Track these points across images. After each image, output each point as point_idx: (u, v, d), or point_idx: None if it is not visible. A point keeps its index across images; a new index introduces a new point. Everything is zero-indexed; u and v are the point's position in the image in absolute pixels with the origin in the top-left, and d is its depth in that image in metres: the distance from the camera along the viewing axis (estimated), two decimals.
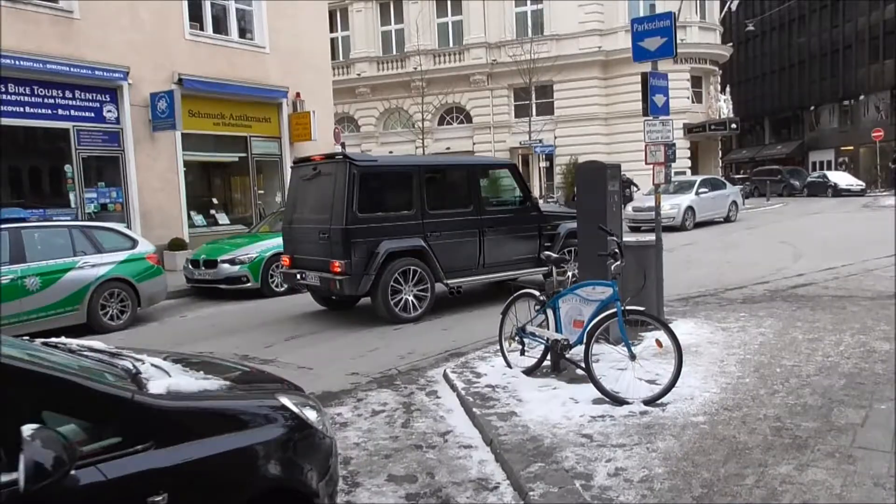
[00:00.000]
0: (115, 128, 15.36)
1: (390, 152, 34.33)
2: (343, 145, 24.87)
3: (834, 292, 9.96)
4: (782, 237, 17.80)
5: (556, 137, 34.08)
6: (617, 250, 5.48)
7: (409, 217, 9.20)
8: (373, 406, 5.66)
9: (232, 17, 18.13)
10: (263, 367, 7.11)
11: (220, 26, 17.96)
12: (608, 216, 6.84)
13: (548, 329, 5.92)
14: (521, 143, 32.11)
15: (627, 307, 5.33)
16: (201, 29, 17.38)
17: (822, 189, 37.68)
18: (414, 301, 9.24)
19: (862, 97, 47.77)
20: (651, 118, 7.58)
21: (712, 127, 34.54)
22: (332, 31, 40.31)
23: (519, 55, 31.31)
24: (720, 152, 39.71)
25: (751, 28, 47.64)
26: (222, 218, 17.75)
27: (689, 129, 34.22)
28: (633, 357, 5.28)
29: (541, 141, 30.05)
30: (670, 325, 5.31)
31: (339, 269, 8.75)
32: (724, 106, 35.03)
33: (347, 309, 10.37)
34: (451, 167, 10.60)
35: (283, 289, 12.08)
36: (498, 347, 6.47)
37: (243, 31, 18.50)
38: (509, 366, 6.24)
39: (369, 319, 9.38)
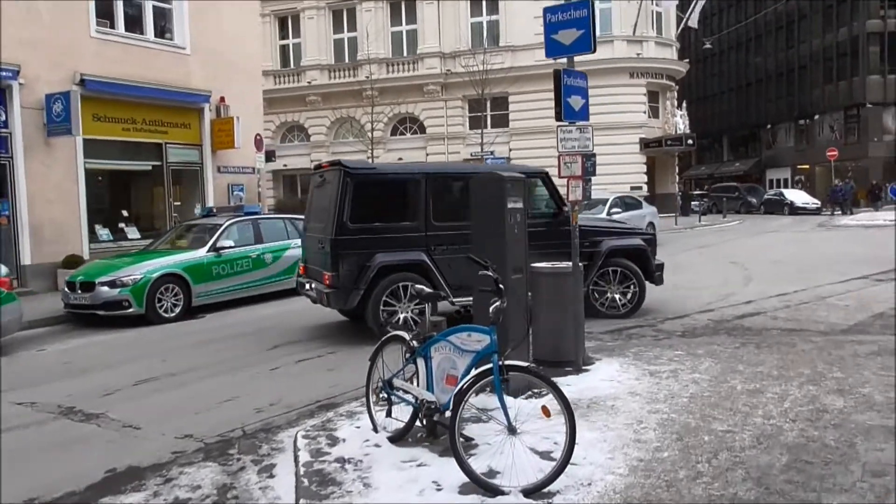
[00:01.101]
0: (3, 132, 13.76)
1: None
2: (274, 154, 23.44)
3: (783, 324, 8.89)
4: (734, 257, 16.89)
5: (510, 150, 33.08)
6: (499, 285, 4.22)
7: (411, 229, 8.54)
8: (178, 492, 4.30)
9: (148, 15, 16.64)
10: (83, 424, 5.73)
11: (134, 25, 16.46)
12: (507, 240, 5.61)
13: (417, 384, 4.65)
14: (472, 154, 31.02)
15: (507, 362, 4.07)
16: (112, 27, 15.87)
17: (779, 207, 37.30)
18: (412, 320, 8.47)
19: (817, 117, 47.85)
20: (566, 124, 6.40)
21: (668, 142, 33.89)
22: (283, 38, 39.11)
23: (473, 66, 30.34)
24: (677, 168, 39.15)
25: (708, 46, 47.43)
26: (132, 232, 16.15)
27: (646, 144, 33.52)
28: (511, 431, 4.02)
29: (492, 153, 28.98)
30: (559, 386, 4.06)
31: (327, 282, 8.35)
32: (680, 121, 34.44)
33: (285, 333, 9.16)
34: (464, 175, 9.66)
35: (173, 314, 10.65)
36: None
37: (162, 31, 17.03)
38: (375, 429, 4.93)
39: (260, 352, 8.04)
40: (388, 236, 8.45)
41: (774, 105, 51.27)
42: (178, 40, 17.04)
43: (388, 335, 5.00)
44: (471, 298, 8.79)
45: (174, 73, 16.62)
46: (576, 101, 6.39)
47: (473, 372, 4.16)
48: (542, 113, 33.31)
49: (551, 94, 6.38)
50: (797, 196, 38.44)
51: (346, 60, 37.11)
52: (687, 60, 37.76)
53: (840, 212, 35.04)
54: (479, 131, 32.18)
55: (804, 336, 8.06)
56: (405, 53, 36.46)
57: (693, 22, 34.98)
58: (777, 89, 51.62)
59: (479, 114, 33.12)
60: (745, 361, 6.75)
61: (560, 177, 6.41)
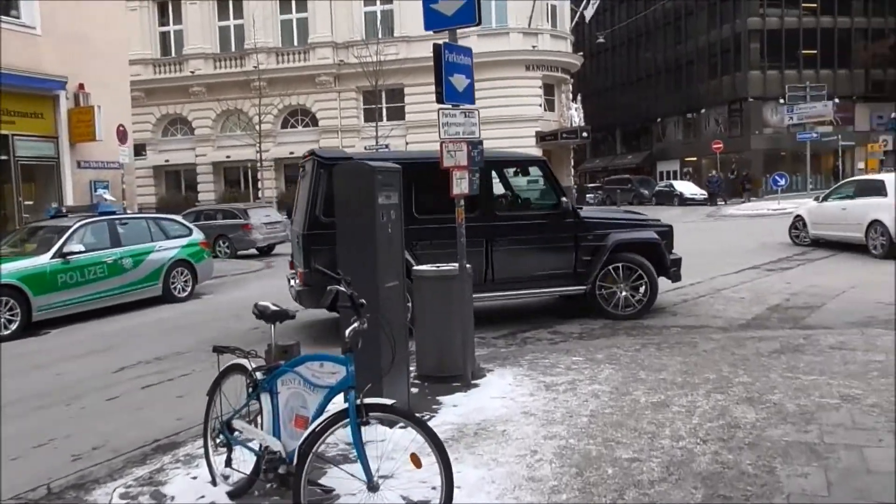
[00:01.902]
0: None
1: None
2: (144, 147, 21.62)
3: (683, 320, 8.51)
4: None
5: (407, 143, 32.25)
6: (356, 302, 3.35)
7: None
8: None
9: None
10: None
11: None
12: (379, 243, 4.75)
13: (261, 426, 3.72)
14: (366, 148, 30.00)
15: (367, 400, 3.21)
16: None
17: (669, 198, 38.32)
18: None
19: (703, 110, 49.68)
20: (448, 107, 5.59)
21: (564, 135, 34.06)
22: (163, 24, 36.57)
23: (367, 57, 29.32)
24: (573, 161, 39.53)
25: (601, 40, 48.41)
26: None
27: (542, 137, 33.53)
28: (372, 487, 3.17)
29: (387, 146, 28.05)
30: (431, 426, 3.24)
31: (300, 279, 7.92)
32: (575, 114, 34.68)
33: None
34: None
35: (6, 332, 9.20)
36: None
37: (6, 8, 15.07)
38: (214, 481, 3.97)
39: (103, 376, 6.81)
40: None
41: (664, 99, 52.89)
42: (27, 19, 15.15)
43: (229, 364, 4.03)
44: None
45: (22, 56, 14.72)
46: (459, 81, 5.60)
47: (325, 414, 3.29)
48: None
49: None
50: (686, 187, 39.64)
51: (233, 49, 35.20)
52: (581, 54, 38.14)
53: (723, 202, 36.30)
54: (374, 124, 31.22)
55: (704, 334, 7.65)
56: (296, 43, 34.96)
57: (588, 15, 35.28)
58: (667, 84, 53.28)
59: (374, 106, 32.13)
60: (646, 367, 6.19)
61: (442, 167, 5.61)
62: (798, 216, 15.88)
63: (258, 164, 31.75)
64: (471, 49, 5.84)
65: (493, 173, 8.79)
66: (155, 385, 6.79)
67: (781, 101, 39.30)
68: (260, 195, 32.84)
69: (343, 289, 3.35)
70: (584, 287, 8.56)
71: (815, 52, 45.34)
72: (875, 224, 12.94)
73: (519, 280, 8.54)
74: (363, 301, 3.40)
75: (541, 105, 34.38)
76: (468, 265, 5.94)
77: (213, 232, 19.65)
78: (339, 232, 4.86)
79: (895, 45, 44.44)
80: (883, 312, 8.44)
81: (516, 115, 31.81)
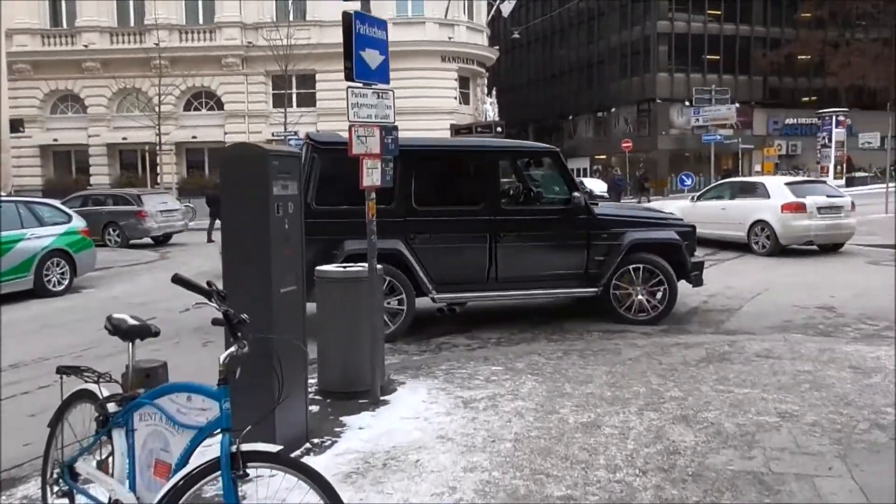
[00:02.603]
0: None
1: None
2: (21, 123, 19.80)
3: (605, 324, 8.08)
4: None
5: (318, 131, 30.98)
6: (233, 321, 2.62)
7: (387, 213, 7.07)
8: None
9: None
10: None
11: None
12: (273, 241, 4.01)
13: (112, 472, 2.93)
14: (273, 134, 28.69)
15: (246, 447, 2.50)
16: None
17: None
18: (386, 318, 7.02)
19: (613, 109, 50.72)
20: (359, 85, 4.90)
21: (479, 129, 33.65)
22: None
23: (277, 40, 27.97)
24: None
25: (516, 36, 48.40)
26: None
27: (457, 131, 32.94)
28: None
29: (296, 133, 26.86)
30: (328, 480, 2.57)
31: None
32: (490, 109, 34.43)
33: None
34: (455, 152, 8.68)
35: None
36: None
37: None
38: None
39: None
40: (361, 220, 7.06)
41: (576, 97, 53.67)
42: None
43: (76, 390, 3.21)
44: (459, 295, 7.77)
45: None
46: (372, 57, 4.91)
47: (192, 463, 2.55)
48: None
49: None
50: (596, 185, 40.19)
51: (132, 24, 32.90)
52: (497, 48, 37.96)
53: (636, 199, 37.01)
54: (283, 110, 29.91)
55: (627, 338, 7.30)
56: (201, 21, 33.04)
57: (505, 11, 35.02)
58: (579, 82, 54.08)
59: (284, 91, 30.76)
60: (571, 378, 5.71)
61: (351, 153, 4.90)
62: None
63: (157, 148, 29.81)
64: (385, 22, 5.17)
65: (500, 164, 8.34)
66: (6, 399, 5.76)
67: (687, 103, 40.48)
68: (159, 181, 30.87)
69: (215, 305, 2.61)
70: (596, 289, 7.97)
71: (718, 57, 47.04)
72: (758, 224, 13.86)
73: (525, 279, 7.96)
74: (244, 317, 2.67)
75: (456, 98, 33.93)
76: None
77: (101, 219, 18.15)
78: (225, 229, 4.10)
79: (790, 54, 46.64)
80: (799, 316, 8.38)
81: (431, 106, 31.19)
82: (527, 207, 8.42)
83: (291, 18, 30.94)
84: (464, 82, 35.05)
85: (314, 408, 4.96)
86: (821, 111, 43.09)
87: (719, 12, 47.22)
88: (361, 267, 5.29)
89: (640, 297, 8.04)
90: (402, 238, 7.49)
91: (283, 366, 2.84)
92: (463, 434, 4.46)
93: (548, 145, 8.89)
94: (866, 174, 40.89)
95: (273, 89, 32.65)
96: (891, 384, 5.36)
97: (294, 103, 31.99)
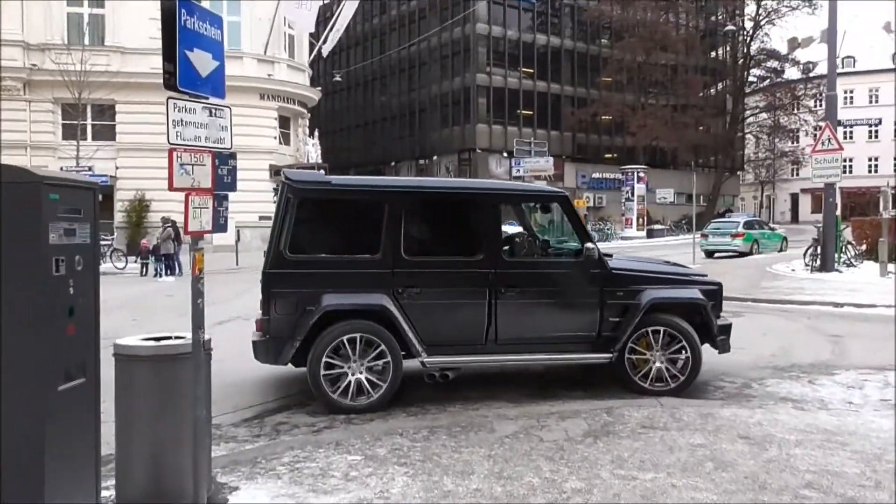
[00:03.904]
0: None
1: (89, 169, 24.50)
2: None
3: (470, 392, 7.12)
4: None
5: (117, 168, 28.06)
6: None
7: (372, 264, 6.67)
8: None
9: None
10: None
11: None
12: (41, 316, 2.62)
13: None
14: (63, 168, 25.30)
15: None
16: None
17: None
18: (367, 383, 6.46)
19: (435, 157, 51.47)
20: (184, 96, 3.64)
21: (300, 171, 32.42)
22: None
23: (69, 64, 24.93)
24: None
25: (338, 79, 47.98)
26: None
27: (276, 171, 31.43)
28: None
29: (90, 169, 23.86)
30: None
31: (258, 328, 6.61)
32: (312, 150, 33.25)
33: None
34: (450, 194, 7.59)
35: None
36: None
37: None
38: None
39: None
40: (341, 272, 6.69)
41: (398, 143, 53.91)
42: None
43: None
44: (453, 359, 6.87)
45: None
46: (202, 60, 3.67)
47: None
48: (158, 128, 28.74)
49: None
50: None
51: None
52: (320, 89, 37.04)
53: None
54: (76, 142, 26.59)
55: (494, 409, 6.42)
56: None
57: (325, 51, 34.21)
58: (401, 129, 54.44)
59: (77, 122, 27.40)
60: (448, 469, 4.70)
61: (172, 188, 3.59)
62: None
63: None
64: (221, 19, 3.97)
65: (502, 209, 7.49)
66: None
67: (505, 154, 42.00)
68: None
69: None
70: (610, 355, 6.91)
71: (532, 112, 49.61)
72: None
73: (529, 342, 6.95)
74: None
75: (276, 137, 32.42)
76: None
77: None
78: None
79: (595, 113, 50.40)
80: None
81: (249, 145, 29.34)
82: (532, 259, 7.58)
83: (87, 42, 27.91)
84: (284, 122, 33.65)
85: None
86: (624, 167, 46.76)
87: (532, 70, 49.95)
88: (182, 340, 3.93)
89: (658, 363, 7.04)
90: (389, 292, 6.67)
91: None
92: None
93: (557, 189, 8.05)
94: (663, 227, 44.73)
95: (63, 119, 29.07)
96: (789, 458, 4.94)
97: (89, 136, 28.66)
